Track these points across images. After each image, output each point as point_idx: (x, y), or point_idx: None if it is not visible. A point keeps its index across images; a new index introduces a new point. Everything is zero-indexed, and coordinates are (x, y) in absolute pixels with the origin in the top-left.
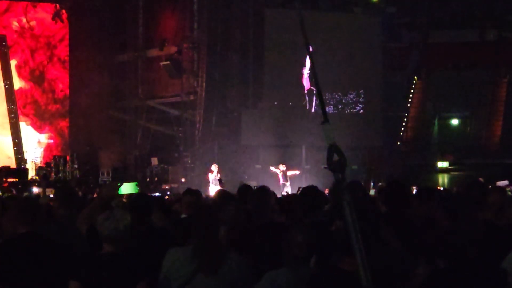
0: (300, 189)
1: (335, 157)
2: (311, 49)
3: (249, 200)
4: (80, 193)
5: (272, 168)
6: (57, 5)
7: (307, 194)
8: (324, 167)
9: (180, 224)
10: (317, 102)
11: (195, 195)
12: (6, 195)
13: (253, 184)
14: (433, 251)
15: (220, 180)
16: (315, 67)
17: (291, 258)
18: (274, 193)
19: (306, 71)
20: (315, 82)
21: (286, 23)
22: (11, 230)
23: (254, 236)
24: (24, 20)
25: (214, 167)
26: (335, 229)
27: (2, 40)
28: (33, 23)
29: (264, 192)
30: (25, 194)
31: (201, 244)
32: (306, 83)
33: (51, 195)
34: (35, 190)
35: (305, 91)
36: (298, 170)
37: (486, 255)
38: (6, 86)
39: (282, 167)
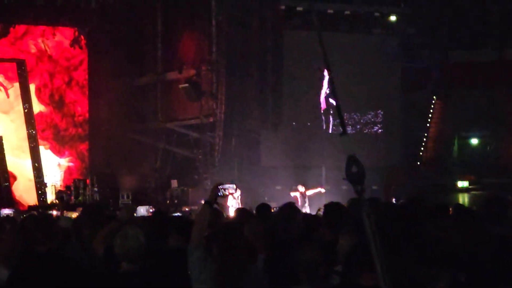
0: (321, 209)
1: (354, 168)
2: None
3: (276, 216)
4: None
5: (292, 194)
6: (76, 30)
7: (332, 210)
8: (344, 179)
9: None
10: (335, 121)
11: (215, 215)
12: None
13: (273, 205)
14: (451, 265)
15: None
16: (334, 85)
17: (303, 275)
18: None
19: (323, 91)
20: (334, 95)
21: (304, 44)
22: (30, 249)
23: (276, 252)
24: (42, 44)
25: (237, 192)
26: (339, 248)
27: (21, 65)
28: (50, 45)
29: (291, 208)
30: None
31: (224, 262)
32: (322, 103)
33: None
34: (54, 214)
35: (321, 111)
36: (320, 187)
37: (503, 269)
38: (26, 110)
39: (301, 188)
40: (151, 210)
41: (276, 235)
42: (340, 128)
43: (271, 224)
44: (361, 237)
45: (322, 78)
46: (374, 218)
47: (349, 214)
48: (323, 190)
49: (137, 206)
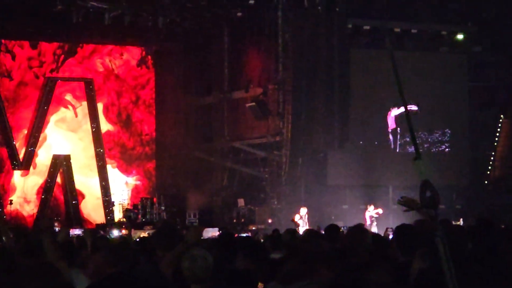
0: (389, 229)
1: (428, 193)
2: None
3: (345, 238)
4: None
5: (375, 212)
6: (143, 50)
7: (403, 233)
8: (398, 201)
9: (266, 264)
10: (403, 141)
11: (290, 234)
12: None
13: (340, 224)
14: None
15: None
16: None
17: None
18: None
19: (394, 112)
20: (407, 120)
21: (371, 63)
22: (101, 270)
23: (346, 274)
24: (109, 63)
25: (303, 211)
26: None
27: (89, 84)
28: (118, 64)
29: (361, 230)
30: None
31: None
32: (390, 122)
33: (143, 236)
34: (115, 232)
35: (389, 131)
36: (380, 208)
37: None
38: (93, 129)
39: (371, 208)
40: (217, 233)
41: (345, 257)
42: (408, 148)
43: (341, 245)
44: (432, 260)
45: (392, 96)
46: (447, 243)
47: (421, 237)
48: (381, 211)
49: (205, 228)
